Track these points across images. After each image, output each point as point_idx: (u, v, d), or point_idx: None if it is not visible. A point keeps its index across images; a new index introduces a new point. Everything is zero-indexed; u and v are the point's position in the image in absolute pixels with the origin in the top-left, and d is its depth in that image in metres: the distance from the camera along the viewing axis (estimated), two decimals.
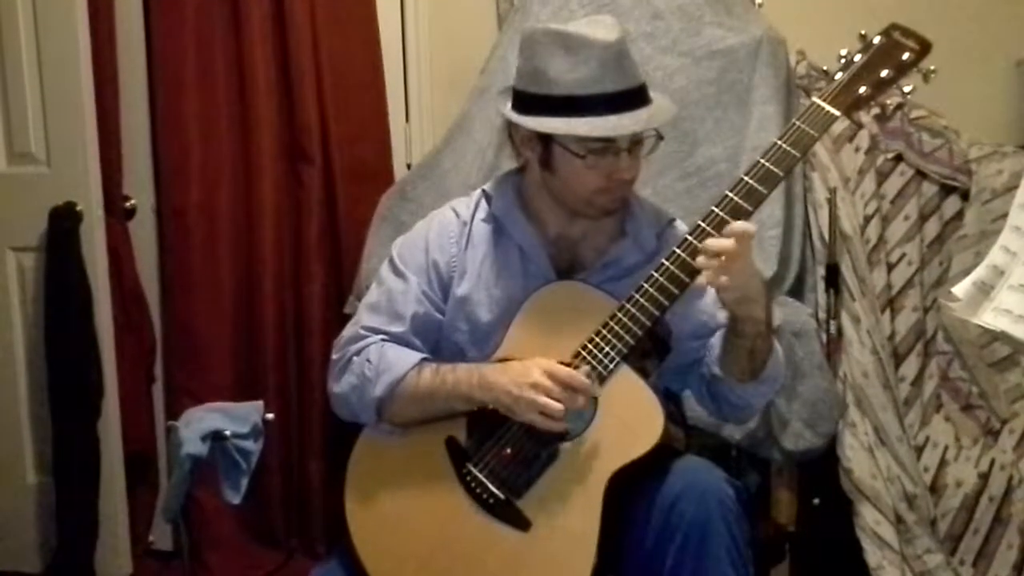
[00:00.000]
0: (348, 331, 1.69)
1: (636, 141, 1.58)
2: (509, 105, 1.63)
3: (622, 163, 1.57)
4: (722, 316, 1.62)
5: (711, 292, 1.61)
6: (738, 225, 1.44)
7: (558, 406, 1.48)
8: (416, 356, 1.62)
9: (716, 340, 1.64)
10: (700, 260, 1.45)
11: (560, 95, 1.54)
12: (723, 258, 1.42)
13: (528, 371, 1.50)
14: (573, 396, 1.48)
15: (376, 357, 1.62)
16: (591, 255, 1.67)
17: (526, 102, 1.59)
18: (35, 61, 2.53)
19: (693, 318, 1.65)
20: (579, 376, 1.49)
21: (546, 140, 1.59)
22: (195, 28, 2.66)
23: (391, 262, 1.72)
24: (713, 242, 1.45)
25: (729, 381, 1.60)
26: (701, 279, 1.48)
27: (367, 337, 1.66)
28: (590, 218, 1.65)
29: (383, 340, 1.65)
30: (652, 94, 1.61)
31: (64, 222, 2.53)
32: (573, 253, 1.68)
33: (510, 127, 1.67)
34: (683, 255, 1.49)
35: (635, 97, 1.56)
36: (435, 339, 1.69)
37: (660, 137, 1.62)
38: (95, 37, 2.56)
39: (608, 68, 1.54)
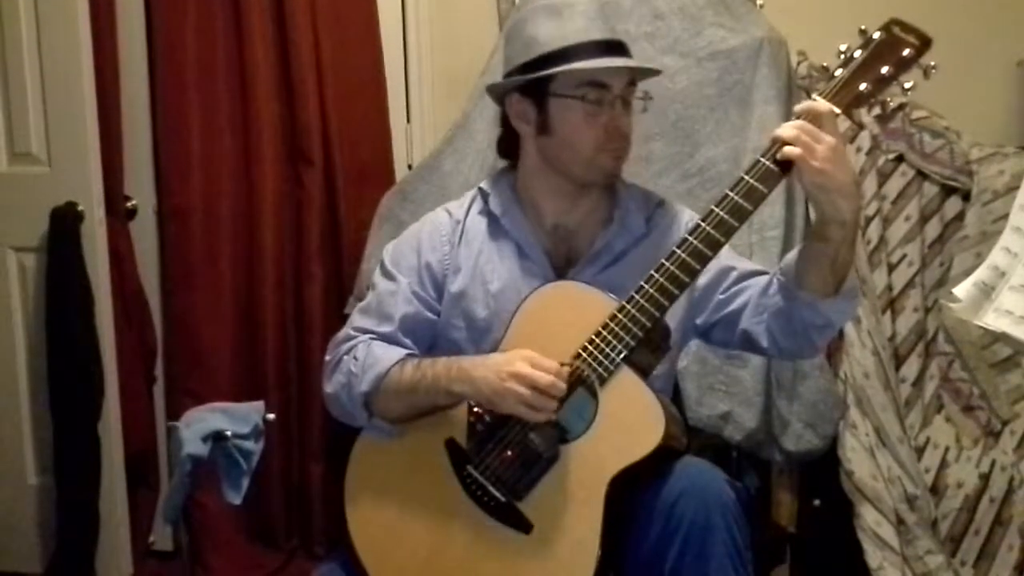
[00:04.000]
0: (341, 333, 1.71)
1: (627, 98, 1.63)
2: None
3: (617, 111, 1.61)
4: (749, 265, 1.66)
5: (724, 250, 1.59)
6: (814, 106, 1.42)
7: (545, 401, 1.47)
8: (401, 352, 1.63)
9: (760, 282, 1.61)
10: (790, 135, 1.39)
11: (552, 50, 1.59)
12: (807, 136, 1.39)
13: (510, 361, 1.50)
14: (557, 386, 1.47)
15: (363, 354, 1.63)
16: (584, 245, 1.68)
17: (519, 73, 1.63)
18: (36, 61, 2.53)
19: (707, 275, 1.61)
20: (563, 369, 1.49)
21: (541, 102, 1.62)
22: (196, 28, 2.67)
23: (382, 265, 1.73)
24: (802, 115, 1.42)
25: (807, 298, 1.50)
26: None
27: (356, 337, 1.67)
28: (592, 184, 1.66)
29: (371, 339, 1.66)
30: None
31: (65, 222, 2.53)
32: (569, 245, 1.69)
33: (504, 122, 1.71)
34: (683, 255, 1.48)
35: (620, 48, 1.63)
36: (429, 339, 1.69)
37: (648, 97, 1.66)
38: (96, 37, 2.56)
39: (593, 20, 1.61)
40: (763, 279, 1.62)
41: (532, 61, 1.60)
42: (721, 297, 1.64)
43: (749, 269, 1.66)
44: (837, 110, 1.43)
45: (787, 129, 1.42)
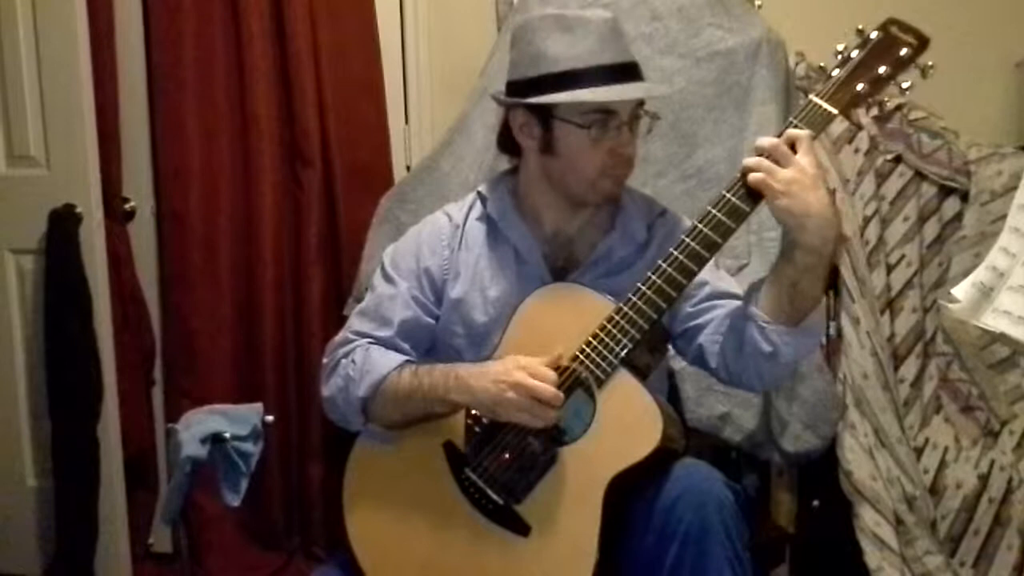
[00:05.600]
0: (339, 336, 1.71)
1: (634, 118, 1.61)
2: (504, 95, 1.66)
3: (623, 137, 1.59)
4: (724, 285, 1.64)
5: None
6: (791, 132, 1.43)
7: (545, 410, 1.47)
8: (400, 358, 1.63)
9: (730, 304, 1.60)
10: (752, 162, 1.41)
11: (561, 71, 1.56)
12: (772, 161, 1.40)
13: (509, 371, 1.50)
14: (557, 398, 1.47)
15: (361, 359, 1.63)
16: (584, 252, 1.68)
17: (525, 87, 1.61)
18: (34, 63, 2.53)
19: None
20: (556, 378, 1.48)
21: (546, 122, 1.60)
22: (194, 30, 2.67)
23: (382, 268, 1.73)
24: (764, 140, 1.43)
25: (759, 318, 1.48)
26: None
27: (355, 341, 1.67)
28: (592, 204, 1.65)
29: (369, 343, 1.66)
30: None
31: (64, 224, 2.53)
32: (568, 251, 1.68)
33: (505, 120, 1.69)
34: (681, 257, 1.48)
35: (632, 70, 1.60)
36: (427, 344, 1.69)
37: (656, 117, 1.64)
38: (94, 39, 2.56)
39: (606, 41, 1.57)
40: (734, 303, 1.60)
41: (539, 78, 1.58)
42: (690, 309, 1.63)
43: (723, 289, 1.64)
44: (812, 134, 1.43)
45: (750, 159, 1.43)
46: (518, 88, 1.63)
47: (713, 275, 1.65)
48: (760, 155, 1.43)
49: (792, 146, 1.42)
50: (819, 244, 1.41)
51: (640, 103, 1.62)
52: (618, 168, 1.61)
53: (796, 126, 1.45)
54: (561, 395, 1.48)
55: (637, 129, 1.63)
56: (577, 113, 1.57)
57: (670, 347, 1.71)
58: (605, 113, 1.57)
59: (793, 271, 1.44)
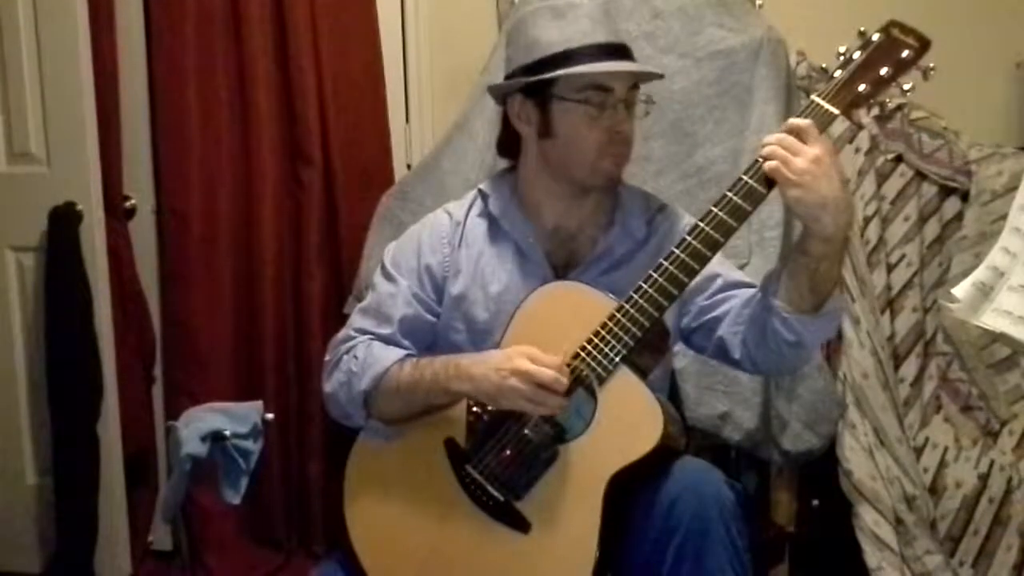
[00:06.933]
0: (341, 333, 1.72)
1: (629, 101, 1.62)
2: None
3: (620, 115, 1.60)
4: (736, 275, 1.64)
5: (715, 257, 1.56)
6: (793, 122, 1.43)
7: (548, 396, 1.47)
8: (401, 352, 1.64)
9: (745, 293, 1.60)
10: (767, 150, 1.42)
11: (555, 53, 1.58)
12: (784, 150, 1.40)
13: (510, 358, 1.50)
14: (560, 381, 1.47)
15: (363, 354, 1.64)
16: (585, 248, 1.68)
17: (521, 74, 1.63)
18: (35, 61, 2.53)
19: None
20: (560, 362, 1.49)
21: (544, 104, 1.62)
22: (195, 28, 2.67)
23: (382, 266, 1.73)
24: (771, 137, 1.43)
25: (782, 310, 1.48)
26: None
27: (356, 338, 1.68)
28: (594, 188, 1.65)
29: (371, 340, 1.66)
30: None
31: (64, 222, 2.53)
32: (569, 248, 1.68)
33: (504, 120, 1.70)
34: (682, 255, 1.48)
35: (624, 51, 1.62)
36: (428, 341, 1.69)
37: (651, 101, 1.66)
38: (95, 37, 2.56)
39: (598, 23, 1.60)
40: (749, 291, 1.61)
41: (534, 63, 1.60)
42: (704, 303, 1.64)
43: (736, 279, 1.66)
44: (816, 126, 1.43)
45: (764, 147, 1.44)
46: (514, 77, 1.65)
47: (724, 267, 1.67)
48: (767, 148, 1.43)
49: (800, 138, 1.42)
50: (834, 231, 1.42)
51: (635, 86, 1.63)
52: (616, 147, 1.62)
53: None
54: (564, 379, 1.47)
55: (634, 111, 1.64)
56: (573, 90, 1.58)
57: (679, 345, 1.71)
58: (601, 90, 1.58)
59: (811, 260, 1.45)
